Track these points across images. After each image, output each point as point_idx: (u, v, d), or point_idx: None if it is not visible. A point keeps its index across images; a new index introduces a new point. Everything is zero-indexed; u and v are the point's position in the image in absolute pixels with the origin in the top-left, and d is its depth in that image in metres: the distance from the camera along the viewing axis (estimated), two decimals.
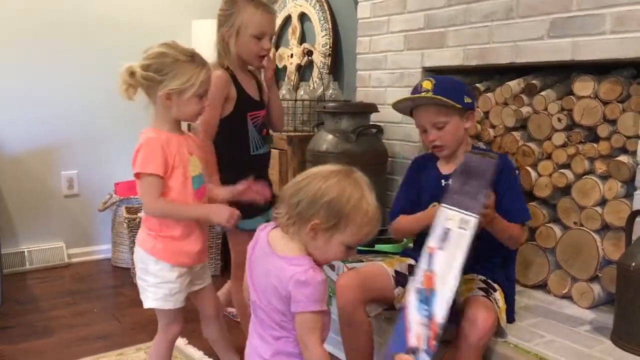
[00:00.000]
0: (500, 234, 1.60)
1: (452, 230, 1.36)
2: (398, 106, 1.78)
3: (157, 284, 1.61)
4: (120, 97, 1.58)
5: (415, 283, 1.36)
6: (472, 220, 1.35)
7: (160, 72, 1.53)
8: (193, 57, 1.57)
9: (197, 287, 1.75)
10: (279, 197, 1.25)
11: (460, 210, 1.36)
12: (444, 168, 1.78)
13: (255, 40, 1.90)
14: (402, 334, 1.32)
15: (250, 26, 1.88)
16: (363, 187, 1.20)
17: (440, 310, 1.30)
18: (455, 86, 1.72)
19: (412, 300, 1.34)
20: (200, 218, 1.64)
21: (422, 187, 1.80)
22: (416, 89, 1.72)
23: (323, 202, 1.16)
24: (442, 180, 1.75)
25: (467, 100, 1.71)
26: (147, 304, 1.64)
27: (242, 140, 1.96)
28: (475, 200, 1.37)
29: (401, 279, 1.73)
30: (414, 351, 1.29)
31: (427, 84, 1.69)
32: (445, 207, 1.39)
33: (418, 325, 1.31)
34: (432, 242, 1.38)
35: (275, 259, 1.22)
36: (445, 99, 1.64)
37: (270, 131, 2.19)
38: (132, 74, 1.54)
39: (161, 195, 1.57)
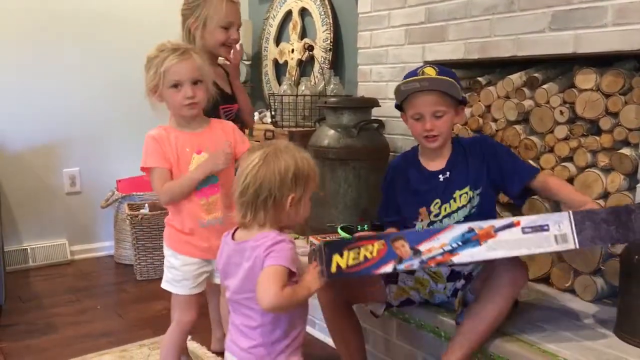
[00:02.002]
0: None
1: (549, 233, 1.33)
2: (402, 89, 1.70)
3: (167, 267, 1.68)
4: None
5: (475, 224, 1.36)
6: (571, 247, 1.33)
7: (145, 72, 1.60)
8: (163, 50, 1.59)
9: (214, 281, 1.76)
10: (237, 204, 1.30)
11: (574, 232, 1.32)
12: (432, 165, 1.76)
13: (222, 30, 1.94)
14: (423, 237, 1.36)
15: (217, 17, 1.92)
16: (298, 147, 1.33)
17: (463, 257, 1.35)
18: (455, 78, 1.71)
19: (457, 229, 1.35)
20: (204, 175, 1.61)
21: (413, 189, 1.78)
22: (415, 75, 1.69)
23: (291, 177, 1.26)
24: (440, 176, 1.74)
25: (462, 94, 1.72)
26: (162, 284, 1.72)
27: None
28: (591, 240, 1.34)
29: (391, 277, 1.73)
30: (415, 252, 1.35)
31: (431, 71, 1.68)
32: (571, 217, 1.33)
33: (439, 245, 1.35)
34: (525, 221, 1.34)
35: (246, 245, 1.28)
36: (457, 85, 1.66)
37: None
38: None
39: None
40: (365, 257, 1.34)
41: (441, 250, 1.35)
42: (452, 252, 1.35)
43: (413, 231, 1.40)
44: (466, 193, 1.70)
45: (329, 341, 2.23)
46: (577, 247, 1.32)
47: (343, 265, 1.34)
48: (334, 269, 1.33)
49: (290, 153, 1.28)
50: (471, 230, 1.35)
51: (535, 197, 1.96)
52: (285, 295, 1.21)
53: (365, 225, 2.12)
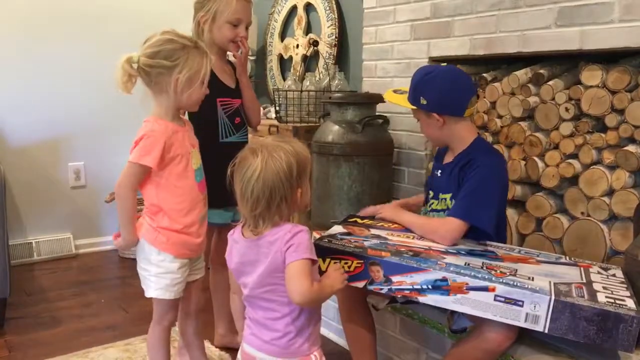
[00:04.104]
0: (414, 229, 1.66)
1: (521, 309, 1.30)
2: None
3: (160, 274, 1.62)
4: (120, 89, 1.56)
5: (452, 276, 1.37)
6: (539, 329, 1.30)
7: (170, 58, 1.53)
8: (197, 45, 1.59)
9: (192, 278, 1.74)
10: (248, 217, 1.29)
11: (549, 317, 1.28)
12: (446, 157, 1.79)
13: (230, 26, 1.93)
14: (399, 270, 1.42)
15: (226, 12, 1.91)
16: (286, 139, 1.33)
17: (428, 300, 1.40)
18: (416, 86, 1.72)
19: (433, 274, 1.38)
20: (122, 231, 1.64)
21: (431, 174, 1.87)
22: None
23: (295, 175, 1.26)
24: (438, 171, 1.79)
25: (422, 101, 1.69)
26: (148, 294, 1.65)
27: (210, 126, 1.95)
28: (563, 331, 1.27)
29: None
30: (387, 280, 1.44)
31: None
32: (551, 303, 1.28)
33: (410, 282, 1.41)
34: (501, 290, 1.32)
35: (262, 241, 1.28)
36: (393, 99, 1.80)
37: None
38: (132, 64, 1.54)
39: (146, 184, 1.62)
40: (343, 268, 1.45)
41: (410, 287, 1.42)
42: (420, 292, 1.41)
43: (392, 262, 1.43)
44: (445, 199, 1.72)
45: (332, 336, 2.24)
46: (546, 331, 1.29)
47: (322, 268, 1.47)
48: None
49: (284, 148, 1.27)
50: (444, 279, 1.38)
51: (539, 193, 1.96)
52: (315, 291, 1.25)
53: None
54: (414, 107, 1.73)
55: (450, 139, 1.74)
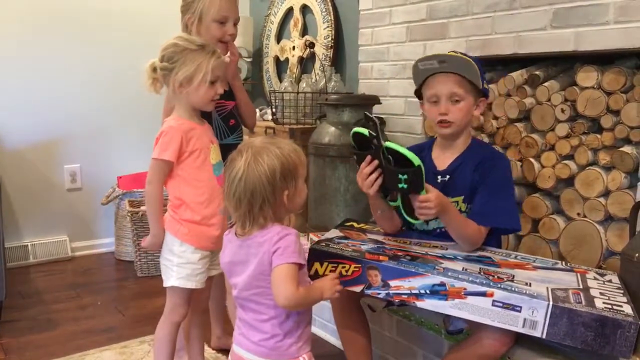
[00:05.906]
0: (451, 229, 1.58)
1: (519, 314, 1.30)
2: (420, 67, 1.64)
3: (181, 264, 1.67)
4: (149, 92, 1.66)
5: (450, 280, 1.37)
6: (537, 335, 1.30)
7: (171, 60, 1.61)
8: (203, 46, 1.63)
9: (211, 273, 1.77)
10: (234, 216, 1.31)
11: (547, 323, 1.28)
12: (439, 160, 1.70)
13: (218, 25, 1.92)
14: (397, 275, 1.42)
15: (212, 10, 1.90)
16: (275, 140, 1.32)
17: (426, 305, 1.40)
18: (479, 67, 1.64)
19: (430, 279, 1.39)
20: (150, 226, 1.68)
21: None
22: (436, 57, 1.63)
23: (279, 177, 1.26)
24: (439, 177, 1.68)
25: (486, 86, 1.65)
26: (169, 283, 1.69)
27: None
28: (561, 337, 1.28)
29: None
30: (384, 284, 1.44)
31: (453, 54, 1.63)
32: (549, 309, 1.28)
33: (408, 287, 1.41)
34: (499, 295, 1.32)
35: (251, 242, 1.29)
36: (477, 71, 1.59)
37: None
38: (154, 69, 1.63)
39: (169, 179, 1.66)
40: (341, 272, 1.48)
41: (408, 292, 1.42)
42: (418, 297, 1.41)
43: (390, 266, 1.43)
44: (456, 202, 1.65)
45: (329, 338, 2.24)
46: (544, 337, 1.30)
47: (320, 273, 1.50)
48: (312, 272, 1.51)
49: (270, 150, 1.27)
50: (442, 284, 1.38)
51: (535, 194, 1.96)
52: (300, 296, 1.25)
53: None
54: (480, 87, 1.62)
55: (465, 133, 1.68)
